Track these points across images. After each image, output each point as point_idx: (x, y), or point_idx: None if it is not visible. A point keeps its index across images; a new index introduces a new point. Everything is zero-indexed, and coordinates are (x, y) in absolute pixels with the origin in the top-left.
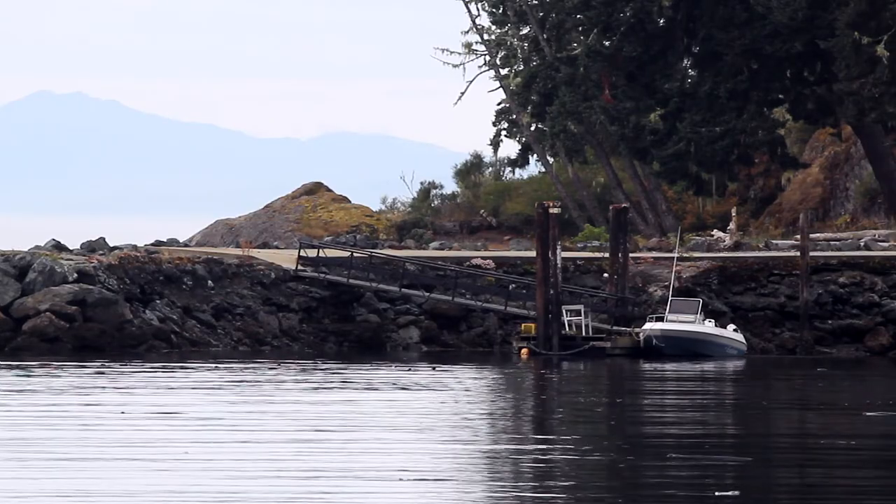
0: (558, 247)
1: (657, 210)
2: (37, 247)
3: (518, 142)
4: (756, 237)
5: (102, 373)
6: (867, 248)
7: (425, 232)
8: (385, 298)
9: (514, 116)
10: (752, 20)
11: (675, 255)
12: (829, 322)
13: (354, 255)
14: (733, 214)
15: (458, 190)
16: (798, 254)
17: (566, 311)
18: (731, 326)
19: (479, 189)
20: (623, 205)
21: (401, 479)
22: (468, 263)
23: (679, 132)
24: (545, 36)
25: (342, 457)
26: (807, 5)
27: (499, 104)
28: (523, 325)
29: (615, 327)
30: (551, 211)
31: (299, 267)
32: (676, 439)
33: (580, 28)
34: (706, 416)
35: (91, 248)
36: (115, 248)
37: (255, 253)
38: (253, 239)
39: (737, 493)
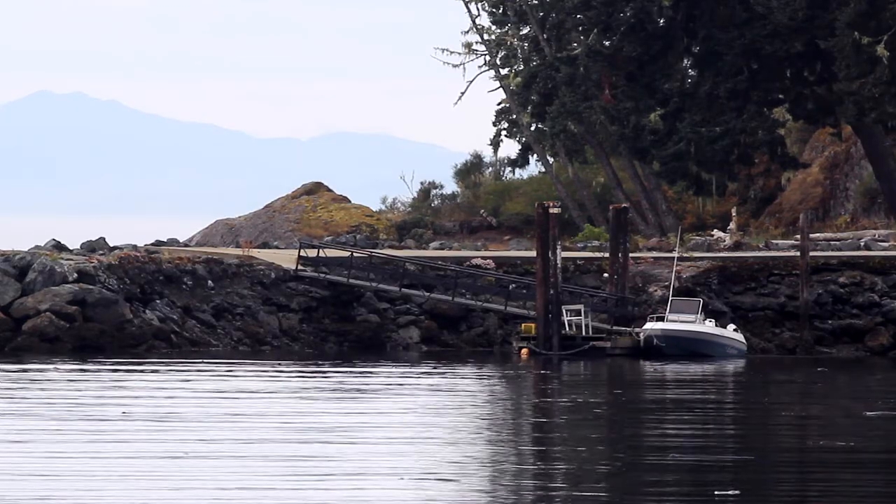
0: (558, 247)
1: (657, 210)
2: (37, 247)
3: (518, 142)
4: (756, 237)
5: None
6: (867, 248)
7: (425, 232)
8: (385, 298)
9: (514, 116)
10: (752, 20)
11: (675, 255)
12: (829, 322)
13: (354, 255)
14: (733, 214)
15: (458, 190)
16: (798, 254)
17: (566, 311)
18: (731, 326)
19: (479, 189)
20: (623, 205)
21: (401, 479)
22: (468, 263)
23: (679, 132)
24: (545, 36)
25: (343, 456)
26: (807, 5)
27: (499, 104)
28: (523, 325)
29: (615, 327)
30: (551, 211)
31: (299, 267)
32: (677, 439)
33: (580, 28)
34: (707, 416)
35: (91, 248)
36: (115, 248)
37: (255, 253)
38: (253, 239)
39: (737, 492)
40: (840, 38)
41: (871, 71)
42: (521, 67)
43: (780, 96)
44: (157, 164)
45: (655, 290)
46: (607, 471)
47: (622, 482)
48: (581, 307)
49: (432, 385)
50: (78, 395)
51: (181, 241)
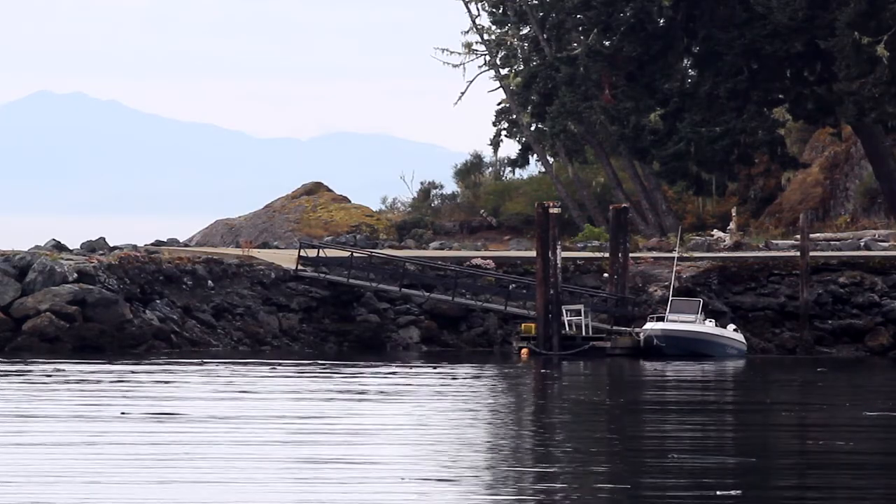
0: (558, 247)
1: (657, 210)
2: (37, 247)
3: (518, 142)
4: (756, 237)
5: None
6: (867, 248)
7: (425, 232)
8: (385, 298)
9: (514, 116)
10: (752, 20)
11: (675, 255)
12: (829, 322)
13: (354, 255)
14: (733, 214)
15: (458, 190)
16: (798, 254)
17: (566, 311)
18: (731, 326)
19: (479, 189)
20: (623, 205)
21: (402, 479)
22: (468, 263)
23: (679, 132)
24: (545, 36)
25: (343, 457)
26: (807, 5)
27: (499, 104)
28: (523, 325)
29: (615, 327)
30: (551, 211)
31: (299, 267)
32: (677, 439)
33: (580, 28)
34: (707, 416)
35: (91, 248)
36: (115, 248)
37: (255, 253)
38: (253, 239)
39: (738, 492)
40: (840, 38)
41: (871, 71)
42: (521, 67)
43: (780, 96)
44: (157, 164)
45: (655, 290)
46: (608, 471)
47: (622, 482)
48: (581, 307)
49: (432, 385)
50: (77, 396)
51: (181, 241)
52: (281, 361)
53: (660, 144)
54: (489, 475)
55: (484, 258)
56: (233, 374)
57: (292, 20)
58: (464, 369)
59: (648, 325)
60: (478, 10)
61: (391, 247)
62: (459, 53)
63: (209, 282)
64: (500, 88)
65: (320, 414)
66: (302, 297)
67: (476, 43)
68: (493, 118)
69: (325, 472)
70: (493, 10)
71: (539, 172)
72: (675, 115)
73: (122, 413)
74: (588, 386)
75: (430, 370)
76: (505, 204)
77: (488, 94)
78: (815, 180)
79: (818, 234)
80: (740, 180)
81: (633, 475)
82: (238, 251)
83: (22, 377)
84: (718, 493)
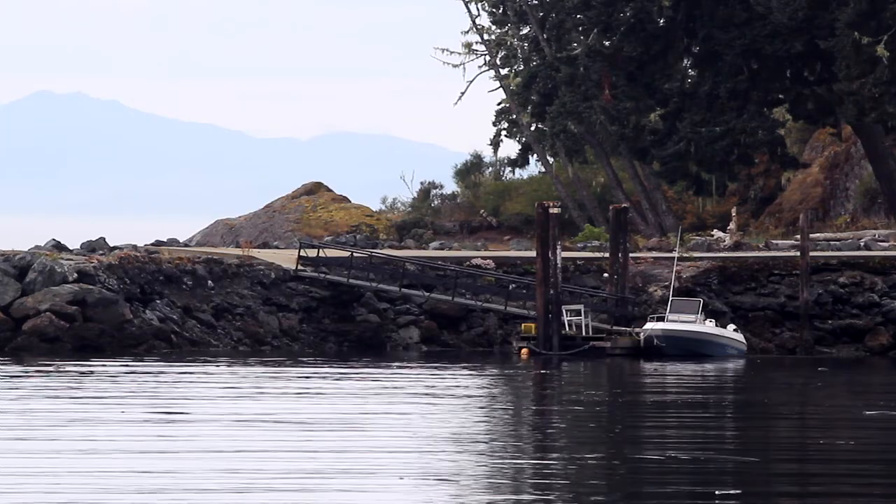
0: (558, 247)
1: (657, 210)
2: (37, 247)
3: (518, 142)
4: (756, 237)
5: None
6: (867, 248)
7: (425, 232)
8: (385, 298)
9: (514, 116)
10: (752, 20)
11: (675, 255)
12: (829, 322)
13: (354, 255)
14: (733, 214)
15: (458, 190)
16: (798, 254)
17: (566, 311)
18: (731, 326)
19: (479, 189)
20: (623, 205)
21: (401, 479)
22: (468, 263)
23: (679, 132)
24: (545, 36)
25: (342, 456)
26: (807, 5)
27: (499, 104)
28: (523, 325)
29: (615, 327)
30: (551, 211)
31: (299, 267)
32: (677, 439)
33: (580, 28)
34: (707, 416)
35: (91, 248)
36: (115, 248)
37: (255, 253)
38: (253, 239)
39: (738, 492)
40: (840, 38)
41: (871, 71)
42: (521, 67)
43: (780, 96)
44: (157, 164)
45: (655, 290)
46: (607, 471)
47: (622, 483)
48: (581, 307)
49: (432, 385)
50: (77, 395)
51: (181, 241)
52: (280, 361)
53: (660, 144)
54: (488, 475)
55: (484, 258)
56: (231, 375)
57: (292, 20)
58: (463, 369)
59: (648, 325)
60: (478, 10)
61: (391, 247)
62: (459, 53)
63: (209, 282)
64: (500, 88)
65: (319, 414)
66: (302, 297)
67: (476, 43)
68: (493, 118)
69: (324, 471)
70: (493, 10)
71: (539, 172)
72: (675, 115)
73: (122, 412)
74: (588, 386)
75: (430, 370)
76: (505, 204)
77: (488, 94)
78: (815, 180)
79: (818, 234)
80: (740, 180)
81: (632, 476)
82: (238, 251)
83: (21, 378)
84: (718, 492)
